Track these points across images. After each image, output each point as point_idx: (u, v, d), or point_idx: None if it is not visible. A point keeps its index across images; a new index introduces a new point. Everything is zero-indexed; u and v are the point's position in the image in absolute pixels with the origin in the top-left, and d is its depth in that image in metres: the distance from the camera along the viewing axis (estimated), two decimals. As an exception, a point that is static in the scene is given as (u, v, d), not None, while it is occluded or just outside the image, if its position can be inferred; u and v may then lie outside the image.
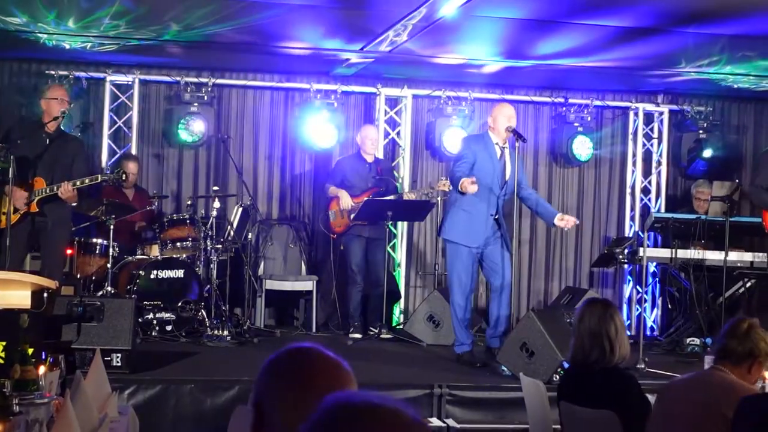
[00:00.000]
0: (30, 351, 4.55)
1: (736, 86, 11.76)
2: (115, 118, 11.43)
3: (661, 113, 12.69)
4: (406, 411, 1.75)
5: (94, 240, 9.91)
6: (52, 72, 11.11)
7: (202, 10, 9.02)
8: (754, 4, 8.36)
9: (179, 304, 9.69)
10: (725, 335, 4.60)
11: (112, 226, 9.52)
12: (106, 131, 11.35)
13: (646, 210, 12.55)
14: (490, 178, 8.64)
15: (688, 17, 8.80)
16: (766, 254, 10.27)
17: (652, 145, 12.70)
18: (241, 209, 10.61)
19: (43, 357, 4.79)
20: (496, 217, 8.77)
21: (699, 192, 11.58)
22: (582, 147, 12.19)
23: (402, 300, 11.82)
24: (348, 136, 11.89)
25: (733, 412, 4.08)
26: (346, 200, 10.45)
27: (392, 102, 12.13)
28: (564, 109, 12.33)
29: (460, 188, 8.46)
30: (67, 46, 10.49)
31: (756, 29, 9.11)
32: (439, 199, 11.39)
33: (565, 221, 8.80)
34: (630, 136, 12.69)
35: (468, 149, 8.77)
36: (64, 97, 9.05)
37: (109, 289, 9.35)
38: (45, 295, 6.56)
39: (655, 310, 12.31)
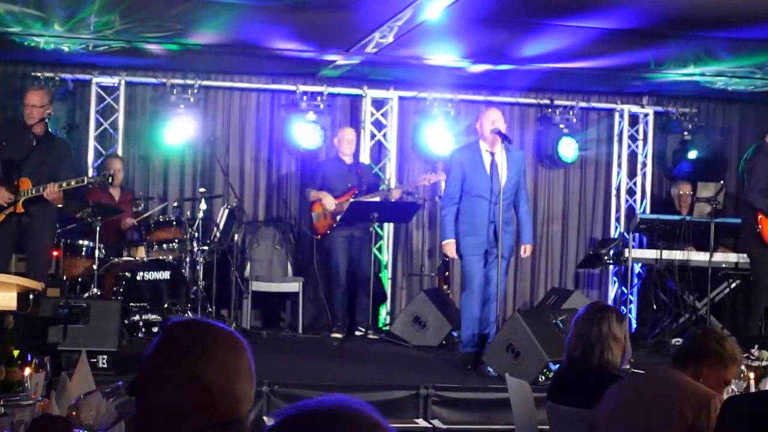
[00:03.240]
0: (15, 353, 4.55)
1: (730, 89, 11.81)
2: (101, 119, 11.42)
3: (647, 115, 12.73)
4: (371, 413, 1.76)
5: (80, 241, 9.88)
6: (38, 74, 11.07)
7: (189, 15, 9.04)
8: (735, 9, 8.41)
9: (165, 305, 9.69)
10: (682, 342, 4.49)
11: (98, 228, 9.50)
12: (92, 133, 11.33)
13: (631, 211, 12.59)
14: (482, 187, 8.67)
15: (675, 20, 8.85)
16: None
17: (637, 146, 12.74)
18: (227, 211, 10.62)
19: (29, 359, 4.79)
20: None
21: (681, 192, 11.63)
22: (567, 148, 12.22)
23: (389, 301, 11.82)
24: (334, 138, 11.90)
25: (687, 410, 4.06)
26: (329, 201, 10.44)
27: (378, 104, 12.14)
28: (549, 110, 12.36)
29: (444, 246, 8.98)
30: (66, 49, 10.47)
31: (741, 33, 9.17)
32: (425, 201, 11.40)
33: (522, 251, 9.14)
34: (615, 138, 12.73)
35: (454, 166, 8.85)
36: (36, 103, 8.88)
37: (95, 290, 9.33)
38: (31, 296, 6.56)
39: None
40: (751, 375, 5.57)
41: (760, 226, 9.91)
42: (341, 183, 10.62)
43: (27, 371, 4.50)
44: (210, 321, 2.54)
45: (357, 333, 10.54)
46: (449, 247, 8.81)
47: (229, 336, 2.49)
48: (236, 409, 2.44)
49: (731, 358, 4.39)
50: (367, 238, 10.54)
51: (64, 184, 8.69)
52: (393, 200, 10.71)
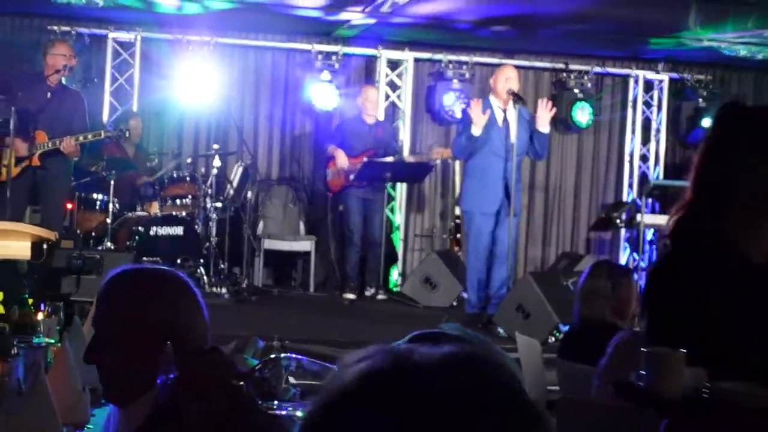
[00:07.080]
0: (30, 301, 4.60)
1: (760, 56, 11.74)
2: (117, 75, 11.42)
3: (661, 81, 12.70)
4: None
5: (95, 195, 9.90)
6: (55, 27, 11.07)
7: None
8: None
9: (178, 261, 9.71)
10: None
11: (112, 182, 9.53)
12: (107, 88, 11.34)
13: (644, 177, 12.58)
14: (493, 143, 8.67)
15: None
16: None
17: (651, 112, 12.72)
18: (241, 168, 10.65)
19: (42, 307, 4.83)
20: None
21: None
22: (582, 113, 12.20)
23: (400, 262, 11.85)
24: (349, 97, 11.89)
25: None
26: (342, 160, 10.45)
27: (393, 64, 12.12)
28: (564, 75, 12.33)
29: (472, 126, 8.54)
30: (101, 2, 10.45)
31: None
32: (438, 162, 11.40)
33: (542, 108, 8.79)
34: (630, 104, 12.70)
35: (468, 118, 8.82)
36: (69, 53, 9.06)
37: (108, 244, 9.38)
38: (45, 246, 6.61)
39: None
40: None
41: None
42: (359, 143, 10.60)
43: (40, 316, 4.55)
44: (146, 266, 2.54)
45: (366, 293, 10.56)
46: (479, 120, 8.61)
47: (173, 277, 2.52)
48: (203, 341, 2.45)
49: None
50: (381, 200, 10.57)
51: (81, 138, 8.73)
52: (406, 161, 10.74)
